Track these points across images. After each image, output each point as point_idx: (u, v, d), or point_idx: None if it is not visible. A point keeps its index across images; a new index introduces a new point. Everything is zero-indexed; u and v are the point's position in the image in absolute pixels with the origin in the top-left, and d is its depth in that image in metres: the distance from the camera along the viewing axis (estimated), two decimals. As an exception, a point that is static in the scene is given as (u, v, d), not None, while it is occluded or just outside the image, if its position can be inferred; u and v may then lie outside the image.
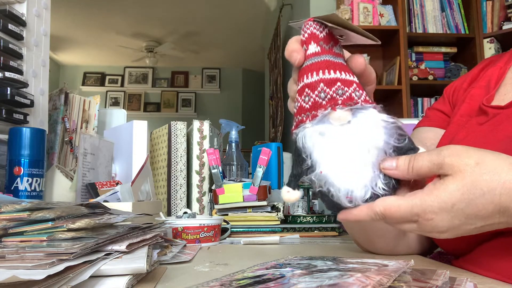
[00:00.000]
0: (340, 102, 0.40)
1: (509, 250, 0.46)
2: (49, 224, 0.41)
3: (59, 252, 0.36)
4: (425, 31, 2.80)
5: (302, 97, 0.42)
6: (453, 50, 2.86)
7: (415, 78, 2.73)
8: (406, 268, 0.36)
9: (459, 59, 2.86)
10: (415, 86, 2.73)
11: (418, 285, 0.31)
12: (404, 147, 0.41)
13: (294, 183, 0.42)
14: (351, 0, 2.70)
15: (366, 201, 0.40)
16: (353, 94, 0.40)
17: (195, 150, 1.10)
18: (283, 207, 0.97)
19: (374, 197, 0.40)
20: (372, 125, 0.40)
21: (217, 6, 4.62)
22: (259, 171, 0.92)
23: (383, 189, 0.40)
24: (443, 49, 2.86)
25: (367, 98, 0.41)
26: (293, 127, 0.42)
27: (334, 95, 0.40)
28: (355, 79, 0.42)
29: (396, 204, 0.39)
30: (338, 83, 0.41)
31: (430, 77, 2.75)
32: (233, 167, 1.15)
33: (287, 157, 1.53)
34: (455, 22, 2.81)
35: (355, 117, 0.40)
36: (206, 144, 1.10)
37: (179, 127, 1.12)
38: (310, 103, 0.41)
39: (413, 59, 2.83)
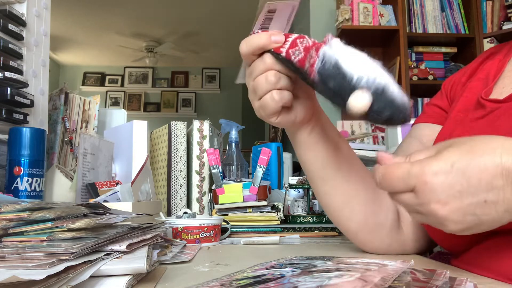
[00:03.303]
0: (317, 42, 0.47)
1: (507, 249, 0.46)
2: (49, 224, 0.41)
3: (59, 252, 0.36)
4: (425, 31, 2.80)
5: (293, 56, 0.47)
6: (453, 50, 2.86)
7: (415, 78, 2.73)
8: (406, 268, 0.36)
9: (459, 59, 2.86)
10: (415, 86, 2.73)
11: (418, 285, 0.31)
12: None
13: (351, 95, 0.43)
14: (351, 0, 2.70)
15: (370, 84, 0.41)
16: (312, 39, 0.48)
17: (195, 150, 1.10)
18: (283, 207, 0.97)
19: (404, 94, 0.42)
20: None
21: (217, 6, 4.62)
22: (259, 171, 0.92)
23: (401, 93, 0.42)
24: (443, 49, 2.86)
25: None
26: (310, 73, 0.45)
27: (311, 40, 0.48)
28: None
29: (397, 163, 0.39)
30: (304, 37, 0.48)
31: (430, 77, 2.75)
32: (233, 167, 1.15)
33: (287, 157, 1.53)
34: (455, 22, 2.81)
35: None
36: (206, 144, 1.10)
37: (179, 127, 1.12)
38: (303, 50, 0.47)
39: (413, 59, 2.83)
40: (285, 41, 0.48)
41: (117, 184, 0.91)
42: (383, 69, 0.43)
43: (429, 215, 0.38)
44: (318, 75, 0.44)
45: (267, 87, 0.50)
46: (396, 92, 0.42)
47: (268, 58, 0.49)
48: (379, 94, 0.41)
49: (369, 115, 0.42)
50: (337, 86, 0.43)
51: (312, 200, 1.12)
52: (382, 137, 2.28)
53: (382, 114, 0.42)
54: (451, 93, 0.66)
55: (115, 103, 6.28)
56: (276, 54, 0.49)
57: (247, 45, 0.51)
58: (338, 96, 0.43)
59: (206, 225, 0.76)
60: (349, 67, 0.42)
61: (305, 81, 0.48)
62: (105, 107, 5.89)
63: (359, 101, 0.42)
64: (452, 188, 0.36)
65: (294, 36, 0.49)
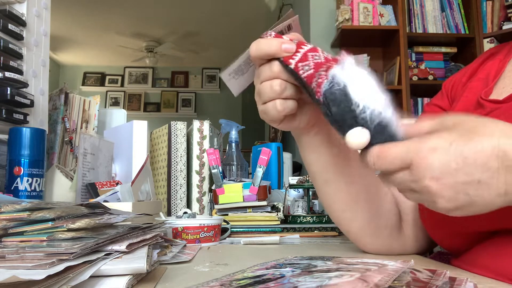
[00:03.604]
0: (330, 58, 0.45)
1: (507, 249, 0.46)
2: (49, 224, 0.41)
3: (59, 252, 0.36)
4: (425, 31, 2.80)
5: (302, 71, 0.45)
6: (453, 50, 2.86)
7: (415, 78, 2.73)
8: (406, 268, 0.36)
9: (459, 59, 2.86)
10: (415, 86, 2.73)
11: (418, 285, 0.31)
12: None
13: (353, 129, 0.41)
14: (351, 0, 2.70)
15: (374, 117, 0.40)
16: (325, 54, 0.46)
17: (195, 150, 1.10)
18: (283, 207, 0.97)
19: (378, 120, 0.40)
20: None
21: (217, 6, 4.62)
22: (259, 171, 0.92)
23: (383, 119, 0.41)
24: (443, 49, 2.86)
25: None
26: (316, 94, 0.43)
27: (323, 54, 0.45)
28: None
29: (393, 143, 0.39)
30: (317, 51, 0.46)
31: (430, 77, 2.75)
32: (233, 167, 1.15)
33: (287, 157, 1.53)
34: (455, 22, 2.81)
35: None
36: (206, 144, 1.10)
37: (179, 127, 1.12)
38: (312, 66, 0.44)
39: (413, 59, 2.83)
40: (297, 51, 0.46)
41: (117, 184, 0.91)
42: (389, 101, 0.41)
43: (422, 192, 0.39)
44: (323, 97, 0.42)
45: (271, 95, 0.49)
46: (398, 128, 0.40)
47: (275, 66, 0.48)
48: (380, 130, 0.40)
49: (366, 148, 0.41)
50: (340, 114, 0.41)
51: (312, 200, 1.12)
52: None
53: None
54: (451, 93, 0.66)
55: (115, 103, 6.28)
56: (284, 64, 0.47)
57: (256, 49, 0.48)
58: (338, 124, 0.42)
59: (206, 225, 0.76)
60: (356, 95, 0.40)
61: (309, 97, 0.46)
62: (105, 107, 5.89)
63: (357, 138, 0.40)
64: (448, 165, 0.37)
65: (307, 47, 0.46)
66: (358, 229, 0.61)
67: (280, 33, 0.51)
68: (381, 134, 0.40)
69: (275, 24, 0.51)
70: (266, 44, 0.48)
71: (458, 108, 0.60)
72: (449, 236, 0.55)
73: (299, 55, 0.46)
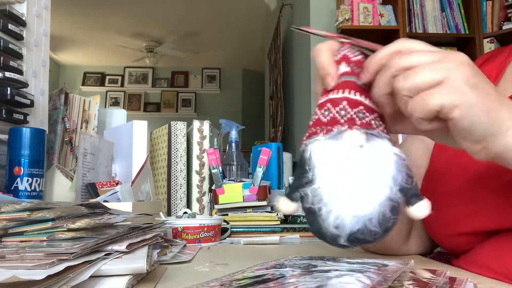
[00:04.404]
0: (358, 123, 0.40)
1: (508, 249, 0.46)
2: (49, 224, 0.41)
3: (59, 252, 0.36)
4: (425, 31, 2.80)
5: (322, 110, 0.42)
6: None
7: (415, 78, 2.73)
8: (406, 268, 0.36)
9: (459, 59, 2.86)
10: (415, 86, 2.73)
11: (418, 285, 0.31)
12: (411, 189, 0.38)
13: (293, 195, 0.41)
14: (351, 0, 2.70)
15: (351, 235, 0.37)
16: (372, 122, 0.40)
17: (195, 150, 1.10)
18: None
19: (361, 233, 0.37)
20: (383, 157, 0.38)
21: (217, 6, 4.62)
22: (259, 171, 0.92)
23: (375, 229, 0.37)
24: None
25: (385, 130, 0.41)
26: (304, 137, 0.41)
27: (354, 116, 0.40)
28: (377, 109, 0.41)
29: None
30: (361, 107, 0.41)
31: (430, 77, 2.75)
32: (233, 167, 1.15)
33: (287, 157, 1.53)
34: (455, 22, 2.81)
35: (369, 143, 0.39)
36: (206, 144, 1.10)
37: (179, 127, 1.12)
38: (328, 117, 0.41)
39: (413, 59, 2.83)
40: (335, 86, 0.42)
41: (117, 184, 0.91)
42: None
43: (442, 62, 0.37)
44: (303, 146, 0.41)
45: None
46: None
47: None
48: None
49: None
50: (296, 172, 0.41)
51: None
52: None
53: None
54: None
55: (115, 103, 6.28)
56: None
57: (316, 56, 0.44)
58: None
59: (206, 225, 0.76)
60: (315, 171, 0.39)
61: None
62: (105, 107, 5.89)
63: (284, 207, 0.41)
64: (472, 68, 0.37)
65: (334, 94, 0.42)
66: None
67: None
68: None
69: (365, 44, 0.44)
70: (321, 62, 0.43)
71: None
72: (449, 237, 0.55)
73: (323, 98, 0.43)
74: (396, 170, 0.38)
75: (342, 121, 0.40)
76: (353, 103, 0.41)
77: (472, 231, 0.51)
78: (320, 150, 0.39)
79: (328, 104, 0.41)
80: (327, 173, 0.39)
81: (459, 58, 0.38)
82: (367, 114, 0.41)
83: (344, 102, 0.41)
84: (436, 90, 0.36)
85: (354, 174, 0.38)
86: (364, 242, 0.38)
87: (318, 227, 0.39)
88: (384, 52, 0.40)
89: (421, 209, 0.38)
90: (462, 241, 0.53)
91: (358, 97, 0.41)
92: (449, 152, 0.56)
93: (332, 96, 0.42)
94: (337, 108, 0.41)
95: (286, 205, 0.41)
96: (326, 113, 0.41)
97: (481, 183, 0.49)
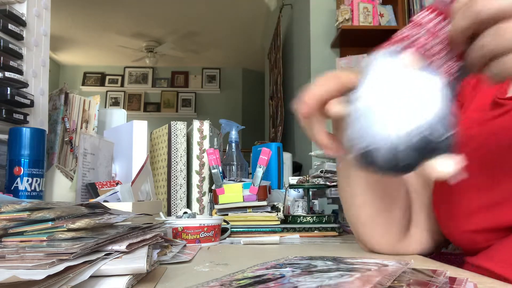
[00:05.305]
0: (423, 52, 0.38)
1: None
2: (49, 224, 0.41)
3: (59, 252, 0.36)
4: (425, 31, 2.80)
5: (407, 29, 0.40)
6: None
7: (415, 78, 2.73)
8: (406, 268, 0.36)
9: (459, 59, 2.86)
10: (415, 86, 2.73)
11: (418, 285, 0.31)
12: (444, 139, 0.34)
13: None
14: (351, 0, 2.70)
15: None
16: (437, 58, 0.38)
17: (195, 150, 1.10)
18: (283, 207, 0.97)
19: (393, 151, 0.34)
20: (432, 90, 0.35)
21: (217, 6, 4.62)
22: (259, 171, 0.92)
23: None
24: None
25: (450, 72, 0.38)
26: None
27: (424, 43, 0.39)
28: (451, 52, 0.39)
29: None
30: (437, 40, 0.39)
31: (430, 77, 2.75)
32: (233, 167, 1.15)
33: (287, 157, 1.53)
34: (455, 22, 2.81)
35: (424, 72, 0.36)
36: (206, 144, 1.10)
37: (179, 127, 1.12)
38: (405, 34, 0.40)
39: (413, 59, 2.83)
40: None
41: (117, 184, 0.91)
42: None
43: None
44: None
45: None
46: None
47: None
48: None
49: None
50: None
51: (312, 200, 1.12)
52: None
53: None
54: (458, 95, 0.66)
55: (115, 103, 6.28)
56: None
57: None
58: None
59: (206, 225, 0.76)
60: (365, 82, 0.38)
61: None
62: (105, 107, 5.90)
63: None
64: None
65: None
66: (367, 218, 0.61)
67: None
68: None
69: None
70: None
71: (472, 108, 0.60)
72: (468, 232, 0.54)
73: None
74: (441, 109, 0.34)
75: (407, 43, 0.39)
76: (443, 40, 0.38)
77: (493, 227, 0.50)
78: (375, 61, 0.39)
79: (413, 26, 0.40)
80: (375, 82, 0.37)
81: None
82: (437, 48, 0.39)
83: (424, 31, 0.39)
84: None
85: (399, 91, 0.35)
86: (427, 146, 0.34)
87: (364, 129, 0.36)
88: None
89: (447, 165, 0.34)
90: (482, 237, 0.52)
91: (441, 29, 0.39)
92: (470, 146, 0.55)
93: (422, 18, 0.40)
94: (415, 31, 0.40)
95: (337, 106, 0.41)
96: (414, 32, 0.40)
97: (505, 177, 0.49)
